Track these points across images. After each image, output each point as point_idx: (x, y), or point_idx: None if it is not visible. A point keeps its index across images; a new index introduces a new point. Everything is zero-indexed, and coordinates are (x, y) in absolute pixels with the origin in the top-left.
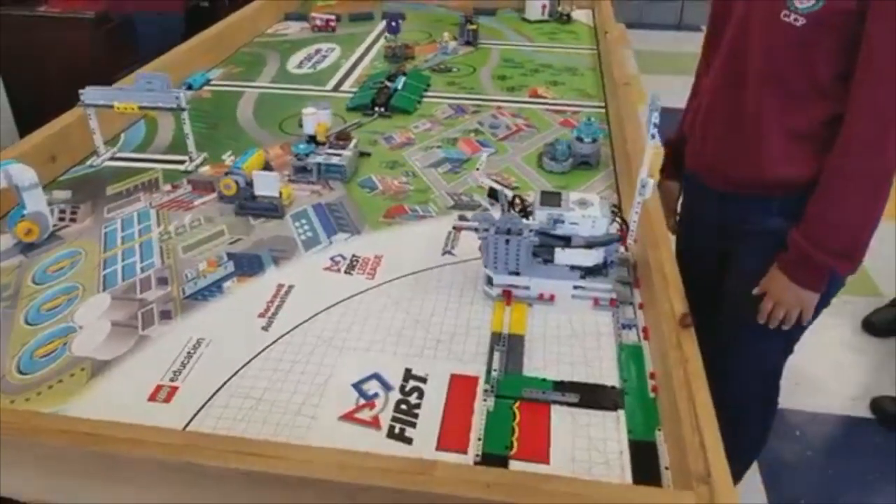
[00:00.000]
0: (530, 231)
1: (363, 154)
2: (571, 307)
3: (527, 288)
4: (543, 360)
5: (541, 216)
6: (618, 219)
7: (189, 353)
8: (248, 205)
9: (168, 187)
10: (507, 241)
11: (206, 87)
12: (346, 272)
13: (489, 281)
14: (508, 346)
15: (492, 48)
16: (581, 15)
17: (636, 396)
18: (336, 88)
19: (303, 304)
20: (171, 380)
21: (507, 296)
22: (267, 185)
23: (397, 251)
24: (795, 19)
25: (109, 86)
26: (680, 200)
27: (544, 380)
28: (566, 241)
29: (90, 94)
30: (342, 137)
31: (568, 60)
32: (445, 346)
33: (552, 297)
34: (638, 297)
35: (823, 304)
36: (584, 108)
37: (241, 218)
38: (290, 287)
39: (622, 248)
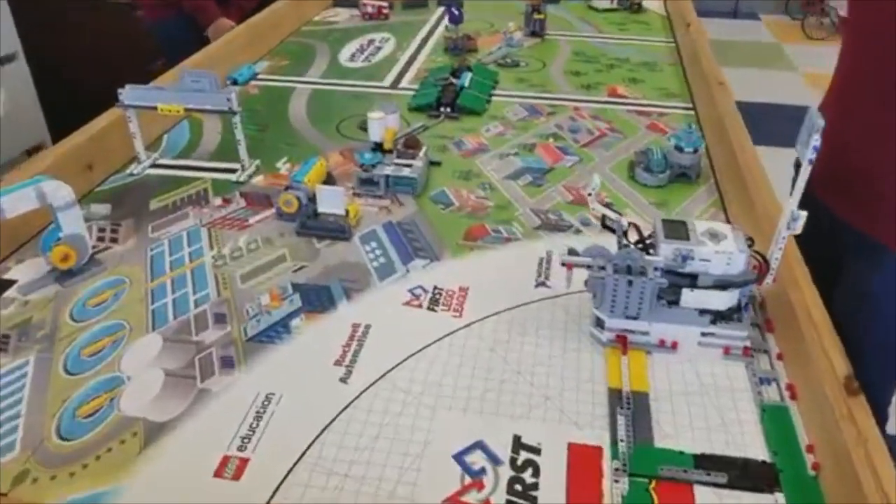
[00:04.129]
0: (655, 270)
1: (433, 163)
2: (697, 356)
3: (645, 333)
4: (674, 424)
5: (666, 251)
6: (756, 254)
7: (258, 412)
8: (311, 224)
9: (219, 201)
10: (630, 283)
11: (253, 83)
12: (428, 308)
13: (599, 323)
14: (633, 406)
15: (560, 40)
16: (652, 4)
17: (792, 474)
18: (394, 85)
19: (384, 347)
20: (240, 448)
21: (622, 342)
22: (332, 202)
23: (484, 282)
24: None
25: (146, 77)
26: None
27: (682, 453)
28: (692, 280)
29: (130, 93)
30: (411, 145)
31: (644, 54)
32: (555, 404)
33: (674, 345)
34: (773, 343)
35: None
36: (670, 109)
37: (303, 239)
38: (367, 327)
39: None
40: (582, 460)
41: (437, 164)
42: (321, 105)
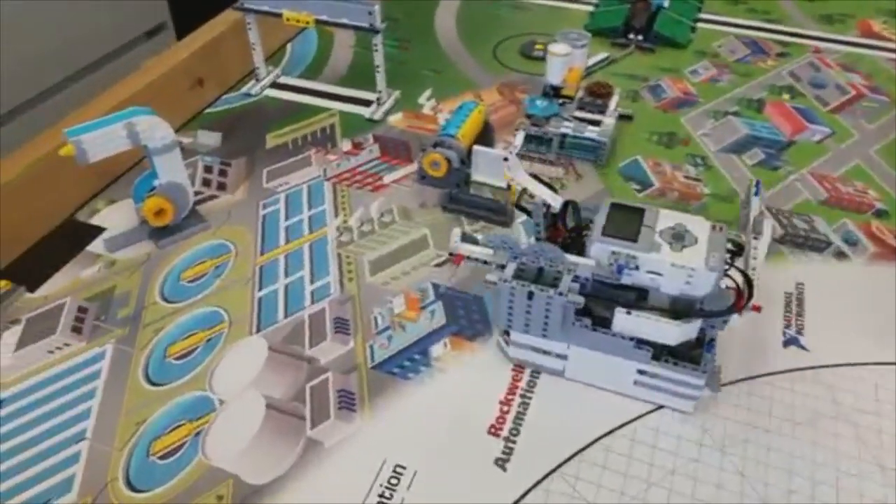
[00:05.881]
0: (577, 280)
1: (623, 117)
2: (627, 403)
3: (562, 357)
4: None
5: (600, 253)
6: (735, 271)
7: (382, 494)
8: (461, 197)
9: (347, 145)
10: (530, 296)
11: None
12: None
13: (507, 332)
14: None
15: None
16: None
17: None
18: None
19: (559, 414)
20: None
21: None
22: (491, 170)
23: None
24: None
25: None
26: None
27: None
28: (640, 295)
29: None
30: (599, 91)
31: None
32: None
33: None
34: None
35: None
36: None
37: (450, 216)
38: (536, 374)
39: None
40: None
41: (629, 118)
42: (474, 18)
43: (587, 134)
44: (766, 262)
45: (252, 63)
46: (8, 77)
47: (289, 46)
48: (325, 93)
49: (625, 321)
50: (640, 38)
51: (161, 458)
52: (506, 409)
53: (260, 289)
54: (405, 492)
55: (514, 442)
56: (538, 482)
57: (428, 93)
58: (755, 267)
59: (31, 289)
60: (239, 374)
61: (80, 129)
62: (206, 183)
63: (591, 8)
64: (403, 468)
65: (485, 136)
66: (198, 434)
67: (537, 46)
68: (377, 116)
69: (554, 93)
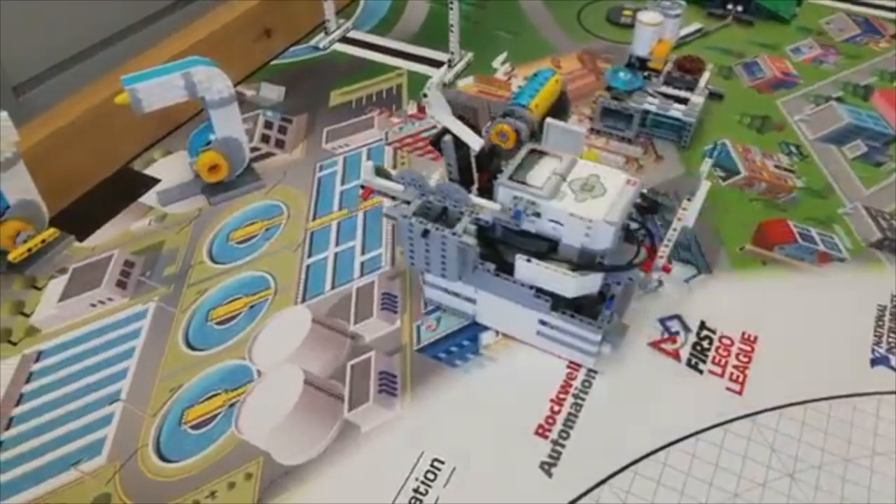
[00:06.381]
0: (482, 224)
1: (712, 95)
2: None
3: (471, 301)
4: None
5: (504, 197)
6: (641, 225)
7: (417, 488)
8: None
9: (412, 109)
10: (426, 233)
11: None
12: (689, 362)
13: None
14: None
15: None
16: None
17: None
18: None
19: (611, 420)
20: None
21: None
22: (565, 145)
23: (784, 332)
24: None
25: None
26: None
27: None
28: (552, 247)
29: None
30: (690, 66)
31: None
32: None
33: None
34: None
35: None
36: None
37: None
38: (591, 375)
39: (653, 277)
40: None
41: (719, 96)
42: None
43: (672, 112)
44: (858, 264)
45: (322, 15)
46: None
47: (361, 0)
48: (395, 50)
49: (525, 269)
50: (739, 8)
51: (193, 427)
52: (556, 408)
53: (309, 256)
54: (441, 489)
55: (562, 446)
56: (586, 492)
57: (502, 56)
58: (676, 228)
59: (80, 238)
60: (280, 345)
61: (137, 76)
62: (265, 139)
63: None
64: (441, 463)
65: (560, 107)
66: (232, 405)
67: (625, 12)
68: (448, 78)
69: (640, 65)
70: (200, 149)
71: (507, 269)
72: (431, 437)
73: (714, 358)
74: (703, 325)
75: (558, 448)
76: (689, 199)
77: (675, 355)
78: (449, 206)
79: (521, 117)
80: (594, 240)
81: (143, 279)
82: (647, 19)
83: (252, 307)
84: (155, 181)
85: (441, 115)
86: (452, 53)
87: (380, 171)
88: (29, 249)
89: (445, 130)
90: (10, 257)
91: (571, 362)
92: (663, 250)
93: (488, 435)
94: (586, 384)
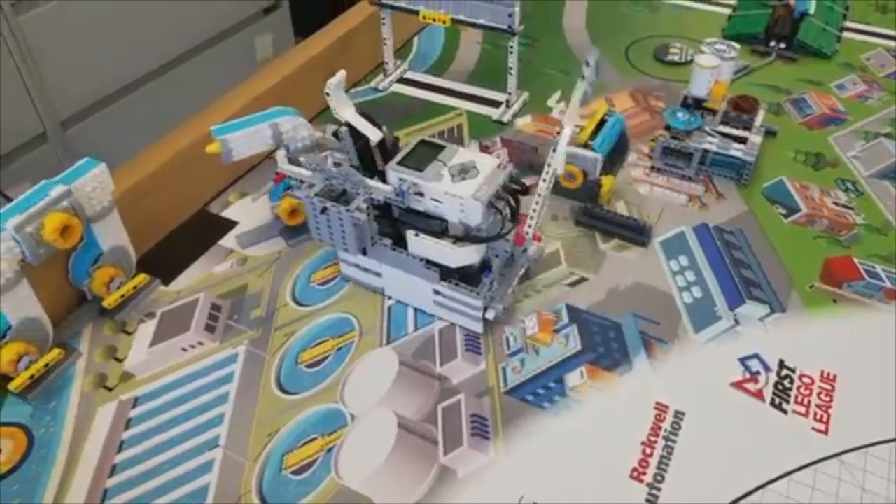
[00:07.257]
0: (376, 203)
1: (768, 133)
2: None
3: (378, 275)
4: None
5: (393, 179)
6: (507, 202)
7: None
8: (597, 212)
9: (475, 147)
10: (324, 210)
11: None
12: (773, 401)
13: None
14: None
15: None
16: None
17: None
18: None
19: (706, 460)
20: None
21: None
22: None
23: (863, 370)
24: None
25: None
26: None
27: None
28: (444, 225)
29: None
30: (745, 106)
31: None
32: None
33: None
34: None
35: None
36: None
37: (583, 231)
38: (679, 416)
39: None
40: None
41: (772, 133)
42: (604, 16)
43: (732, 152)
44: None
45: (381, 56)
46: (135, 49)
47: (415, 40)
48: (452, 90)
49: (415, 243)
50: (782, 45)
51: (294, 472)
52: (648, 451)
53: (389, 297)
54: None
55: (658, 489)
56: None
57: (557, 95)
58: (542, 193)
59: (166, 282)
60: (370, 388)
61: (227, 127)
62: None
63: (725, 10)
64: None
65: (620, 142)
66: (330, 450)
67: (672, 51)
68: (506, 118)
69: (695, 104)
70: (281, 194)
71: (405, 244)
72: (528, 482)
73: (797, 397)
74: (782, 364)
75: (654, 492)
76: (553, 151)
77: (759, 395)
78: (348, 188)
79: (587, 154)
80: (468, 215)
81: (230, 323)
82: (705, 62)
83: (339, 349)
84: (233, 224)
85: (342, 111)
86: (510, 94)
87: (291, 160)
88: (122, 295)
89: (346, 124)
90: (105, 304)
91: (658, 403)
92: (530, 222)
93: (584, 479)
94: (675, 426)
